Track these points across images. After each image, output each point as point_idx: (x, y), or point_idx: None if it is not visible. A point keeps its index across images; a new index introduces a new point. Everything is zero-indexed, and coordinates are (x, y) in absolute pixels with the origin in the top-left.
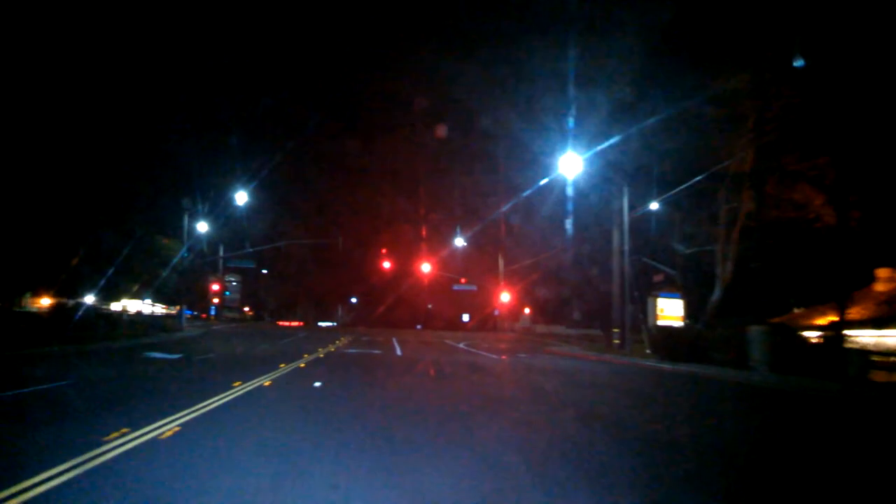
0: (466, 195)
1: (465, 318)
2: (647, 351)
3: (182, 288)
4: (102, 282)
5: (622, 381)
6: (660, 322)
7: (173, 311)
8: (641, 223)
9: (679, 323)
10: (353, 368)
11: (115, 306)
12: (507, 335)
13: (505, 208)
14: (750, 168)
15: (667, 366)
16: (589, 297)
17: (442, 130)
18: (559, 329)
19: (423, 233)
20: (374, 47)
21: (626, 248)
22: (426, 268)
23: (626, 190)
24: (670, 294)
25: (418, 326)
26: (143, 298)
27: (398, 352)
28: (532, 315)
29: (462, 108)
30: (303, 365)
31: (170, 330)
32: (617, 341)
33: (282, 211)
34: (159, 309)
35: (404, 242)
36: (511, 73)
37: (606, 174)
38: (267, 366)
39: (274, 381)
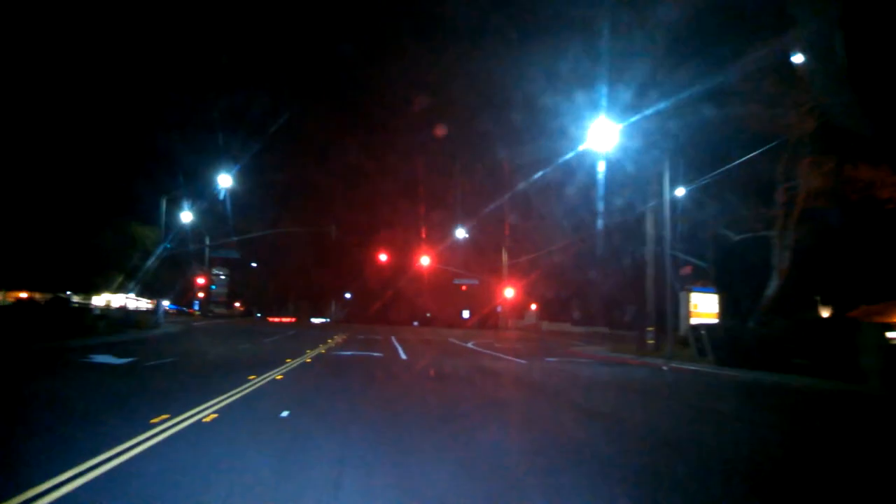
0: (468, 188)
1: (466, 314)
2: (694, 354)
3: (163, 281)
4: (77, 274)
5: (709, 399)
6: (693, 320)
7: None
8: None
9: (714, 320)
10: (347, 381)
11: (98, 300)
12: (513, 333)
13: (511, 193)
14: (811, 133)
15: (736, 373)
16: (592, 294)
17: (443, 126)
18: (566, 326)
19: (422, 226)
20: (371, 37)
21: (668, 232)
22: (425, 261)
23: (667, 164)
24: (704, 288)
25: (415, 323)
26: (126, 292)
27: (402, 354)
28: (538, 311)
29: (468, 91)
30: (279, 377)
31: (144, 327)
32: (651, 341)
33: (277, 206)
34: (144, 303)
35: (403, 236)
36: (524, 49)
37: (643, 147)
38: (230, 378)
39: (225, 409)
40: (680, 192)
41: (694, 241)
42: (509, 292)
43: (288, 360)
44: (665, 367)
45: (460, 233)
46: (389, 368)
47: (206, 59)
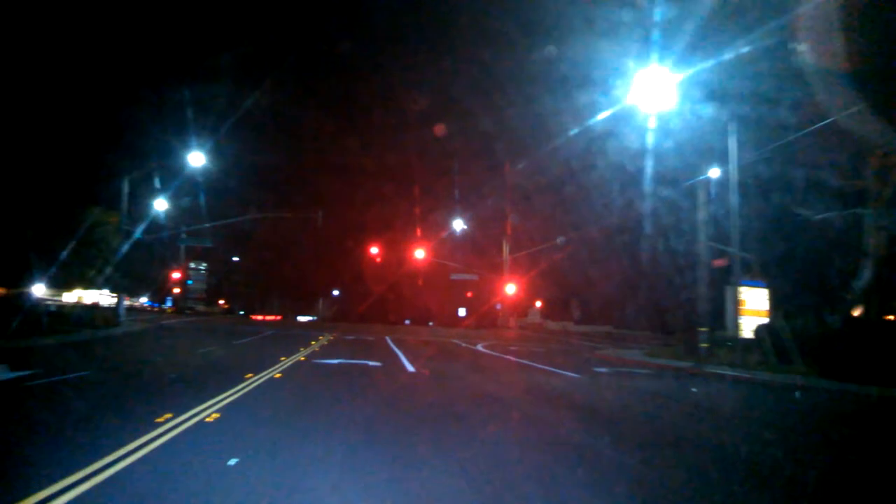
0: (466, 181)
1: (462, 312)
2: (772, 360)
3: (138, 275)
4: (34, 267)
5: None
6: (742, 318)
7: (136, 302)
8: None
9: (764, 318)
10: (333, 422)
11: (70, 297)
12: (517, 333)
13: (514, 175)
14: None
15: (865, 391)
16: (593, 292)
17: (441, 116)
18: (568, 325)
19: (417, 221)
20: (363, 25)
21: (734, 207)
22: (420, 254)
23: (733, 127)
24: (752, 282)
25: (406, 322)
26: (98, 287)
27: (406, 363)
28: (543, 309)
29: (470, 79)
30: (213, 417)
31: (101, 325)
32: (706, 345)
33: (264, 199)
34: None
35: (396, 230)
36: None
37: (694, 111)
38: (134, 417)
39: None
40: (714, 172)
41: (724, 228)
42: (510, 289)
43: (249, 376)
44: (769, 383)
45: (458, 224)
46: (397, 389)
47: (193, 43)
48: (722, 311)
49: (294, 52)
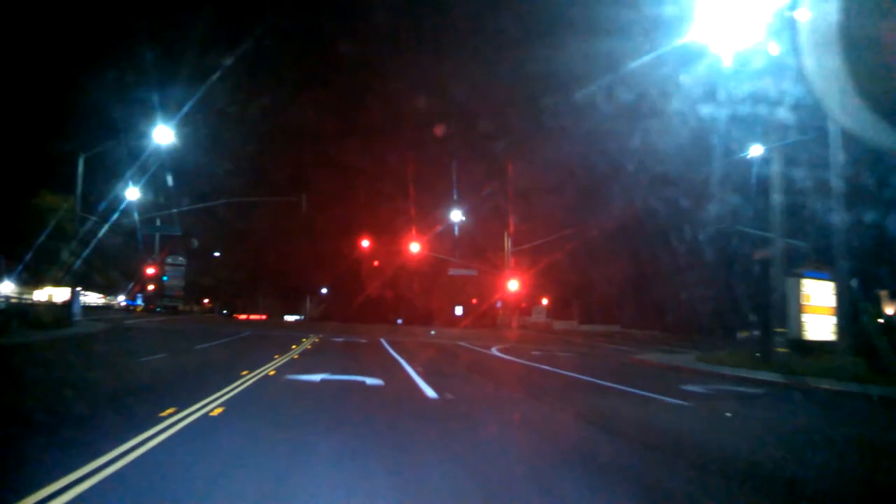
0: (465, 176)
1: (459, 311)
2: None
3: (102, 269)
4: None
5: None
6: (805, 316)
7: (113, 300)
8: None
9: (830, 317)
10: None
11: (40, 295)
12: (521, 332)
13: (523, 154)
14: None
15: None
16: (597, 291)
17: (438, 107)
18: (573, 325)
19: (412, 215)
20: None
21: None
22: (415, 248)
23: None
24: (818, 273)
25: (399, 321)
26: (67, 284)
27: (420, 383)
28: (549, 307)
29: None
30: None
31: (50, 325)
32: (782, 350)
33: (258, 193)
34: (95, 297)
35: (394, 228)
36: None
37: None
38: None
39: None
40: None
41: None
42: (513, 285)
43: (168, 412)
44: None
45: (456, 215)
46: (418, 439)
47: (192, 44)
48: (766, 308)
49: (292, 50)
